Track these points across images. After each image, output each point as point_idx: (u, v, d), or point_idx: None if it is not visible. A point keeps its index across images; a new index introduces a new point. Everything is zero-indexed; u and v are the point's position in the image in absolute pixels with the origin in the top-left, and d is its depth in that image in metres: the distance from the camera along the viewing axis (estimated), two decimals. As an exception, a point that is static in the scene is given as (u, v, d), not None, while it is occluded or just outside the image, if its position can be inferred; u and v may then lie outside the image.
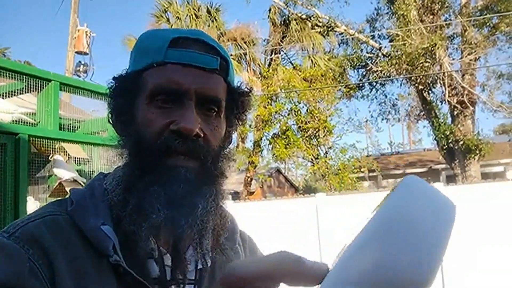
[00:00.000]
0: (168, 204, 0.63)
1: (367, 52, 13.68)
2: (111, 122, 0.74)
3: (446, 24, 12.32)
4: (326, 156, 13.07)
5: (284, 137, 12.88)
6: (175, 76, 0.66)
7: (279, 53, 14.52)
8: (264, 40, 15.11)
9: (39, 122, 2.70)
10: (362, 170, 13.50)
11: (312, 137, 13.07)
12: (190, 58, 0.67)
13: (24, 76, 2.59)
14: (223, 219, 0.74)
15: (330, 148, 13.28)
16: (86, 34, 11.84)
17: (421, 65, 11.27)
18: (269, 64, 14.38)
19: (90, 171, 2.97)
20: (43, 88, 2.69)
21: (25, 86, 2.63)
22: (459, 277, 6.89)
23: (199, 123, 0.66)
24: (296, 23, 13.76)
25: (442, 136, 11.59)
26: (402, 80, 12.97)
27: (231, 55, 13.19)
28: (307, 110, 13.08)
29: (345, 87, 13.95)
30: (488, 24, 11.86)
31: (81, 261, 0.61)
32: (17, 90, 2.79)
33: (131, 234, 0.64)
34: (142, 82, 0.68)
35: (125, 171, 0.68)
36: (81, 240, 0.63)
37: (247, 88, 0.77)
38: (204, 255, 0.70)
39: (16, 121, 2.58)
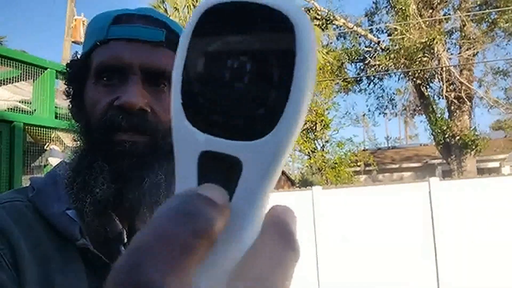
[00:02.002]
0: (113, 178, 0.62)
1: (365, 46, 13.64)
2: (69, 106, 0.73)
3: (445, 18, 12.29)
4: (323, 150, 13.08)
5: (281, 130, 12.85)
6: (117, 52, 0.65)
7: (277, 46, 14.47)
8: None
9: (34, 110, 2.67)
10: (358, 164, 13.53)
11: (309, 131, 13.06)
12: (132, 32, 0.66)
13: (19, 64, 2.56)
14: None
15: (327, 141, 13.29)
16: (83, 24, 11.73)
17: (419, 59, 11.25)
18: (267, 57, 14.32)
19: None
20: (39, 76, 2.66)
21: (21, 74, 2.60)
22: (454, 270, 6.93)
23: (146, 98, 0.64)
24: (295, 16, 13.70)
25: (439, 131, 11.61)
26: (400, 74, 12.96)
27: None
28: (304, 103, 13.06)
29: (342, 81, 13.93)
30: (487, 19, 11.84)
31: (45, 247, 0.60)
32: (13, 77, 2.76)
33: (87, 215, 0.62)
34: (89, 64, 0.67)
35: (75, 155, 0.67)
36: (44, 226, 0.62)
37: None
38: None
39: (11, 109, 2.55)
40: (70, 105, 0.72)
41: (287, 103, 0.23)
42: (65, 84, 0.71)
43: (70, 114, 0.72)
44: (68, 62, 0.71)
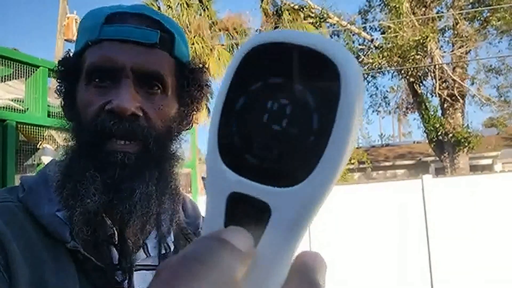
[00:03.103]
0: (104, 189, 0.61)
1: (359, 44, 13.67)
2: (61, 104, 0.71)
3: (438, 16, 12.34)
4: (316, 148, 13.08)
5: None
6: (109, 53, 0.63)
7: (271, 44, 14.45)
8: (256, 30, 15.01)
9: (27, 108, 2.66)
10: (352, 161, 13.56)
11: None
12: (125, 33, 0.63)
13: (11, 62, 2.54)
14: (174, 203, 0.70)
15: (321, 139, 13.30)
16: (76, 22, 11.66)
17: (412, 57, 11.29)
18: (261, 55, 14.30)
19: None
20: (31, 74, 2.64)
21: (13, 72, 2.58)
22: (447, 267, 6.98)
23: (139, 102, 0.63)
24: (289, 14, 13.69)
25: (432, 128, 11.66)
26: (393, 72, 13.00)
27: (223, 45, 13.10)
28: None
29: (336, 79, 13.93)
30: (479, 18, 11.90)
31: (37, 248, 0.59)
32: (5, 76, 2.73)
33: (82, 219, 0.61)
34: (81, 63, 0.66)
35: (65, 156, 0.66)
36: (35, 227, 0.61)
37: (201, 64, 0.72)
38: (161, 240, 0.67)
39: (3, 107, 2.53)
40: (62, 103, 0.71)
41: (325, 151, 0.21)
42: (57, 81, 0.70)
43: (62, 112, 0.71)
44: (60, 59, 0.70)
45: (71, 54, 0.70)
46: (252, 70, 0.24)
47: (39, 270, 0.57)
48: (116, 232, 0.64)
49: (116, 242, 0.64)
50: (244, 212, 0.23)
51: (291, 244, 0.23)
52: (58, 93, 0.70)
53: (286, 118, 0.22)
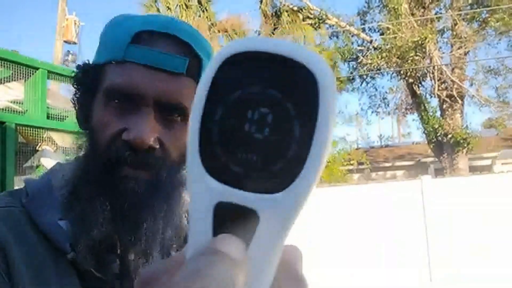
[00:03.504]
0: (112, 218, 0.60)
1: (358, 45, 13.68)
2: (75, 110, 0.69)
3: (436, 17, 12.37)
4: (316, 149, 13.08)
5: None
6: (132, 78, 0.60)
7: (270, 45, 14.45)
8: (255, 32, 15.03)
9: (26, 110, 2.66)
10: (351, 162, 13.57)
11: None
12: (152, 58, 0.60)
13: (10, 64, 2.54)
14: (177, 233, 0.68)
15: (320, 140, 13.30)
16: (75, 23, 11.67)
17: (411, 58, 11.30)
18: (260, 56, 14.30)
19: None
20: (30, 76, 2.64)
21: (12, 74, 2.58)
22: (446, 267, 6.98)
23: (157, 132, 0.60)
24: (288, 15, 13.70)
25: (431, 129, 11.68)
26: (392, 73, 13.01)
27: (222, 46, 13.09)
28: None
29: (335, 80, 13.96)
30: (478, 18, 11.93)
31: (39, 256, 0.58)
32: (4, 78, 2.73)
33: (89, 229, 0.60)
34: (102, 78, 0.63)
35: (75, 171, 0.64)
36: (37, 235, 0.60)
37: None
38: (165, 254, 0.66)
39: (2, 109, 2.53)
40: (77, 112, 0.68)
41: (307, 157, 0.22)
42: (73, 87, 0.67)
43: (76, 120, 0.69)
44: (79, 65, 0.67)
45: (90, 62, 0.67)
46: (229, 79, 0.24)
47: (40, 277, 0.57)
48: (118, 242, 0.63)
49: (119, 251, 0.63)
50: (232, 221, 0.23)
51: (279, 245, 0.23)
52: (73, 102, 0.68)
53: (267, 126, 0.23)
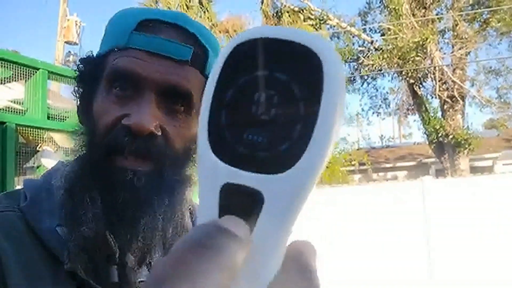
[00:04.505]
0: (105, 213, 0.56)
1: (359, 46, 13.68)
2: (77, 106, 0.67)
3: (437, 18, 12.36)
4: (317, 149, 13.07)
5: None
6: (135, 63, 0.58)
7: (271, 46, 14.46)
8: (256, 32, 15.02)
9: (27, 110, 2.66)
10: (352, 163, 13.56)
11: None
12: (156, 45, 0.58)
13: (11, 64, 2.54)
14: (179, 231, 0.64)
15: (321, 141, 13.29)
16: (76, 24, 11.68)
17: (412, 59, 11.29)
18: (261, 57, 14.32)
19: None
20: (30, 76, 2.64)
21: (12, 75, 2.58)
22: (447, 268, 6.97)
23: (159, 119, 0.58)
24: (289, 16, 13.70)
25: (432, 130, 11.66)
26: (393, 74, 13.01)
27: (223, 47, 13.10)
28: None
29: (336, 81, 13.93)
30: (479, 19, 11.92)
31: (36, 264, 0.55)
32: (4, 78, 2.73)
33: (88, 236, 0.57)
34: (104, 67, 0.61)
35: (73, 166, 0.61)
36: (35, 241, 0.57)
37: None
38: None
39: (3, 109, 2.53)
40: (77, 105, 0.66)
41: (311, 138, 0.22)
42: (75, 80, 0.65)
43: (77, 117, 0.66)
44: (82, 58, 0.65)
45: (94, 54, 0.65)
46: (239, 65, 0.25)
47: (37, 286, 0.54)
48: (118, 250, 0.59)
49: (117, 260, 0.59)
50: (238, 202, 0.23)
51: (285, 229, 0.23)
52: (74, 94, 0.65)
53: (273, 107, 0.23)
